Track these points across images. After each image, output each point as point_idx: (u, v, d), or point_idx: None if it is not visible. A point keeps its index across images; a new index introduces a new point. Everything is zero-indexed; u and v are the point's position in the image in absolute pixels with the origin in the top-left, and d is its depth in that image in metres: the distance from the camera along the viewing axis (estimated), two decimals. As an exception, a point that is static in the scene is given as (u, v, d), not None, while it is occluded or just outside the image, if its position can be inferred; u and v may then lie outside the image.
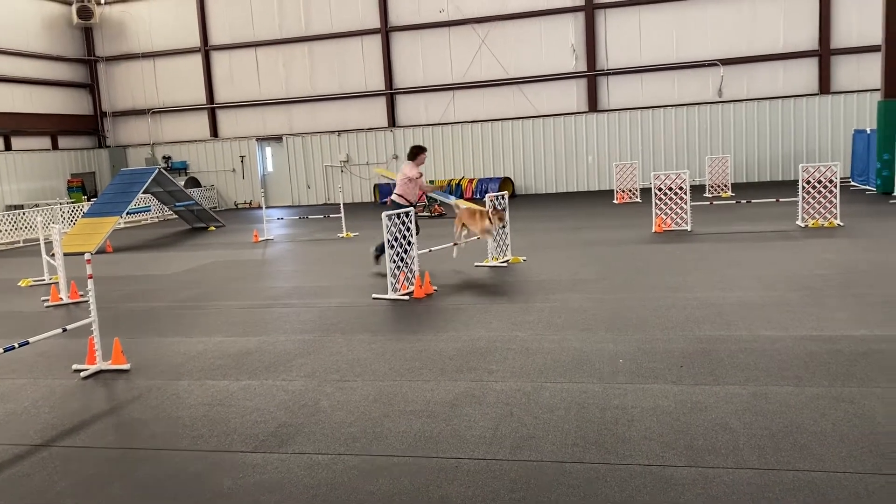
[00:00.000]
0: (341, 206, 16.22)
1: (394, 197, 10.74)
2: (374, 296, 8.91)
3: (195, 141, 27.72)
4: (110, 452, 4.69)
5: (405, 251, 9.03)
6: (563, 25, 23.95)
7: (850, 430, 4.27)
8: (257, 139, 27.15)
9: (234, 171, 27.45)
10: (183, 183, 25.41)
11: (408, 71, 25.43)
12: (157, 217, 23.38)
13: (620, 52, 23.62)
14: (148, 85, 27.81)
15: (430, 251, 10.30)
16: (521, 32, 24.23)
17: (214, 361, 6.61)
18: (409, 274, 9.02)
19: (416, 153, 10.78)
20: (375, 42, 25.47)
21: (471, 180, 23.98)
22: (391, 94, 25.61)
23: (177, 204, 19.26)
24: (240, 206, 27.36)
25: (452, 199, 18.67)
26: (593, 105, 23.97)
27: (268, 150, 27.50)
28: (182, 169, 27.55)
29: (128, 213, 19.32)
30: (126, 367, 6.52)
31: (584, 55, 23.85)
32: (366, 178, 26.13)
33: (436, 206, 19.34)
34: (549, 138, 24.34)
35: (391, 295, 8.73)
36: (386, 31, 25.21)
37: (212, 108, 27.39)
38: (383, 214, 8.66)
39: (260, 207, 20.64)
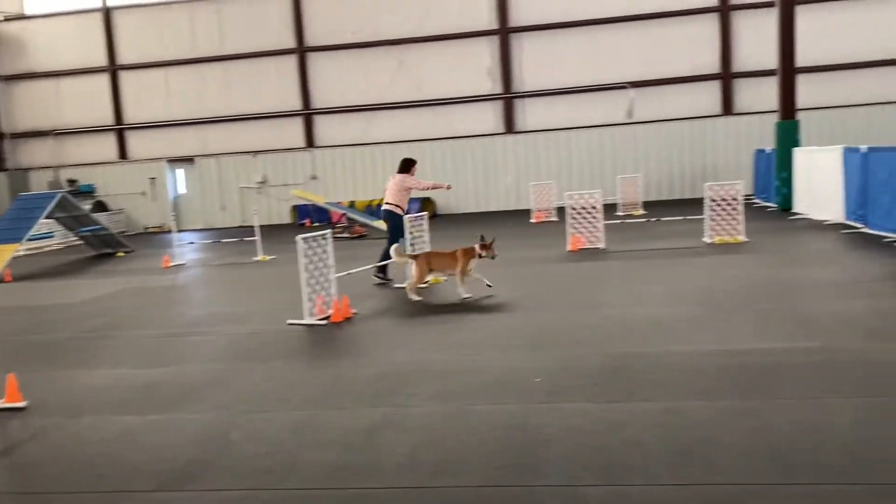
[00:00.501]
0: (257, 228, 15.88)
1: (393, 208, 11.34)
2: (289, 321, 8.70)
3: (103, 163, 26.70)
4: (1, 499, 4.38)
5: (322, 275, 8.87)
6: (479, 48, 24.32)
7: (756, 442, 4.41)
8: (168, 161, 26.36)
9: (144, 193, 26.54)
10: (89, 207, 24.37)
11: (325, 91, 25.28)
12: (61, 243, 22.30)
13: (535, 75, 24.16)
14: (51, 105, 26.65)
15: (349, 273, 10.18)
16: (438, 55, 24.48)
17: (120, 395, 6.30)
18: (326, 298, 8.87)
19: (411, 165, 11.59)
20: (292, 62, 25.23)
21: (390, 201, 23.91)
22: (308, 114, 25.37)
23: (82, 229, 18.43)
24: (150, 230, 26.44)
25: (374, 221, 18.57)
26: (510, 126, 24.39)
27: (180, 171, 26.72)
28: (89, 192, 26.43)
29: (28, 240, 18.34)
30: (22, 404, 6.12)
31: (501, 78, 24.27)
32: (283, 199, 25.70)
33: (356, 227, 19.18)
34: (467, 159, 24.58)
35: (307, 320, 8.55)
36: (302, 51, 25.01)
37: (120, 129, 26.47)
38: (298, 238, 8.49)
39: (171, 231, 20.05)
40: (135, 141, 26.62)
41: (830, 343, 6.37)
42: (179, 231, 23.82)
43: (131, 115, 26.42)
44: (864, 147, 13.52)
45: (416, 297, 9.66)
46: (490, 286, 9.55)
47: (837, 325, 6.94)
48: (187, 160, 26.36)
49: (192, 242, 18.72)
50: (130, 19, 25.89)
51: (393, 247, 10.33)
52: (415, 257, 9.83)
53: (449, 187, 12.55)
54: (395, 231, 11.08)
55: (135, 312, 10.26)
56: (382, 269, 11.32)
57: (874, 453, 4.15)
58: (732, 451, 4.29)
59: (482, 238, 9.51)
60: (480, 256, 9.41)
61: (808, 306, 7.82)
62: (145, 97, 26.18)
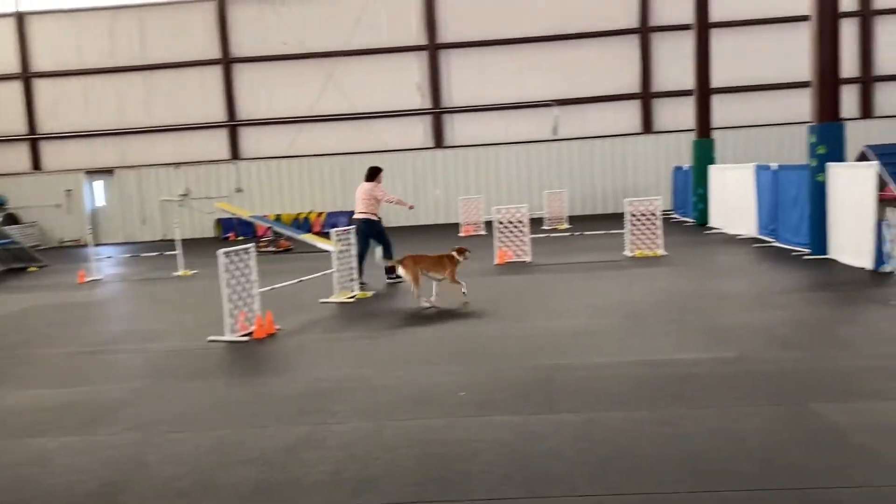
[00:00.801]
0: (178, 242, 15.46)
1: (368, 216, 11.90)
2: (210, 338, 8.49)
3: (14, 174, 25.51)
4: None
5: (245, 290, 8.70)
6: (409, 63, 24.44)
7: (672, 451, 4.53)
8: (86, 172, 25.41)
9: (59, 206, 25.48)
10: (0, 220, 23.25)
11: (252, 103, 24.90)
12: (-32, 257, 21.14)
13: (464, 91, 24.42)
14: (-43, 113, 25.36)
15: (273, 289, 10.01)
16: (368, 69, 24.46)
17: (31, 417, 6.00)
18: (249, 313, 8.69)
19: (377, 173, 12.18)
20: (216, 73, 24.76)
21: (319, 214, 23.72)
22: (234, 125, 24.92)
23: (-9, 243, 17.54)
24: (66, 244, 25.38)
25: (301, 235, 18.30)
26: (439, 141, 24.55)
27: (98, 183, 25.79)
28: (0, 205, 25.22)
29: (-69, 254, 17.35)
30: (-81, 429, 5.77)
31: (430, 93, 24.43)
32: (207, 212, 25.11)
33: (282, 241, 18.90)
34: (397, 173, 24.57)
35: (229, 336, 8.36)
36: (227, 61, 24.58)
37: (33, 139, 25.38)
38: (220, 252, 8.31)
39: (87, 245, 19.26)
40: (50, 151, 25.58)
41: (744, 353, 6.63)
42: (97, 245, 22.97)
43: (46, 124, 25.39)
44: (774, 165, 14.18)
45: (425, 304, 9.71)
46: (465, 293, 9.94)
47: (750, 336, 7.22)
48: (106, 172, 25.47)
49: (109, 257, 18.07)
50: (46, 25, 24.94)
51: (376, 257, 11.07)
52: (400, 262, 10.03)
53: (412, 207, 13.53)
54: (376, 237, 11.95)
55: (47, 330, 9.82)
56: (389, 270, 11.83)
57: (782, 459, 4.32)
58: (650, 460, 4.41)
59: (461, 248, 10.24)
60: (460, 261, 10.04)
61: (722, 317, 8.12)
62: (62, 106, 25.21)
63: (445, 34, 24.28)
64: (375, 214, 11.90)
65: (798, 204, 12.94)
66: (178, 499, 4.27)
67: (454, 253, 10.04)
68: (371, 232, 11.92)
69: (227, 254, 8.30)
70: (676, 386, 5.80)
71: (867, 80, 23.94)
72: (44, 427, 5.72)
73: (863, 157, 16.05)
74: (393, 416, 5.47)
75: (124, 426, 5.63)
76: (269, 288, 9.71)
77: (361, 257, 11.69)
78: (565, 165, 24.29)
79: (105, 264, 17.62)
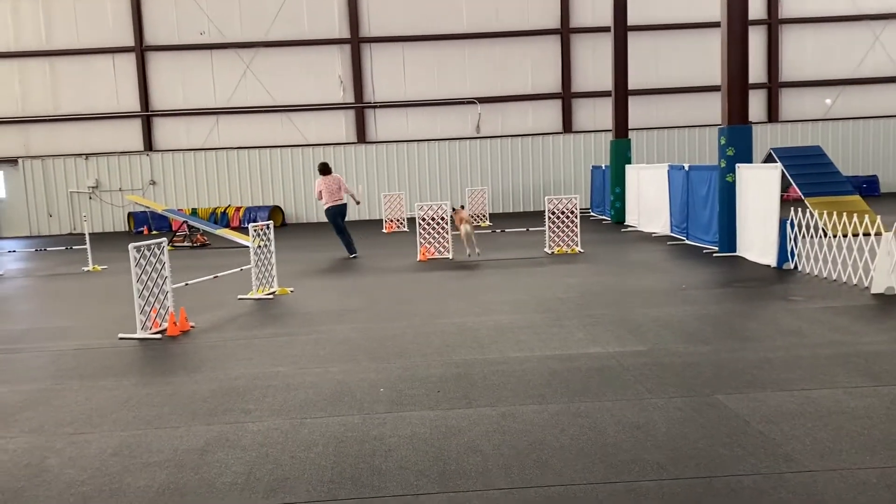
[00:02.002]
0: (87, 236, 14.81)
1: (344, 202, 14.20)
2: (120, 335, 8.17)
3: None
4: None
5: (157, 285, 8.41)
6: (331, 57, 24.15)
7: (585, 443, 4.63)
8: (-14, 162, 24.06)
9: (-44, 197, 24.06)
10: None
11: (167, 93, 24.10)
12: None
13: (387, 86, 24.32)
14: None
15: (187, 284, 9.71)
16: (288, 61, 24.04)
17: (-85, 422, 5.62)
18: (161, 310, 8.40)
19: (329, 167, 14.42)
20: (129, 60, 23.85)
21: (238, 208, 23.18)
22: (147, 116, 24.06)
23: None
24: (-36, 238, 23.98)
25: (218, 230, 17.86)
26: (362, 136, 24.37)
27: None
28: None
29: None
30: None
31: (352, 87, 24.21)
32: (118, 205, 24.18)
33: (198, 236, 18.37)
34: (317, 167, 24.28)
35: (140, 334, 8.06)
36: (141, 49, 23.70)
37: (-73, 125, 23.86)
38: (130, 246, 8.00)
39: (-11, 239, 18.21)
40: (-55, 139, 24.10)
41: (654, 346, 6.84)
42: (-2, 239, 21.80)
43: (-59, 110, 23.91)
44: (686, 165, 14.69)
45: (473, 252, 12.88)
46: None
47: (661, 330, 7.46)
48: (9, 161, 24.17)
49: (13, 251, 17.14)
50: (-59, 5, 23.46)
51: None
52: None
53: (358, 203, 15.10)
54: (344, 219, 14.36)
55: (-61, 329, 9.23)
56: (349, 247, 14.31)
57: (689, 448, 4.48)
58: (564, 453, 4.48)
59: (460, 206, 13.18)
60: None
61: (635, 312, 8.35)
62: (-42, 91, 23.78)
63: (368, 28, 24.11)
64: (341, 201, 14.24)
65: (708, 203, 13.45)
66: (80, 504, 4.08)
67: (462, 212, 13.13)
68: (345, 215, 14.35)
69: (138, 248, 8.00)
70: (591, 379, 5.93)
71: (773, 86, 25.11)
72: (-67, 432, 5.37)
73: (769, 159, 16.83)
74: (310, 414, 5.39)
75: (22, 429, 5.35)
76: (182, 284, 9.42)
77: (348, 235, 14.37)
78: (486, 163, 24.53)
79: (7, 259, 16.73)
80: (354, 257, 14.21)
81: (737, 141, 12.25)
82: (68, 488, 4.30)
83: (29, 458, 4.78)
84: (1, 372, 7.00)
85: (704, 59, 24.57)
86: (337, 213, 14.13)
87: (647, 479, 4.09)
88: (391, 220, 20.22)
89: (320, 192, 14.21)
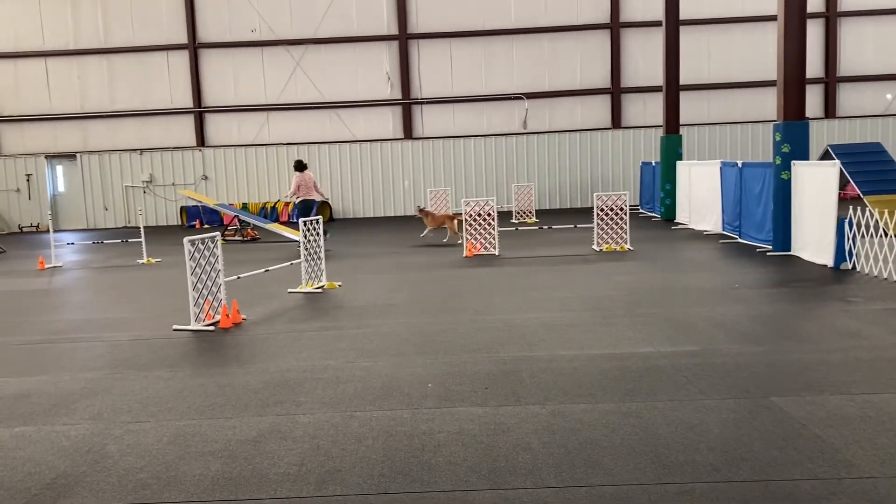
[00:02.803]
0: (142, 229, 15.19)
1: (315, 198, 15.74)
2: (174, 327, 8.36)
3: (-29, 157, 24.84)
4: None
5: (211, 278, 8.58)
6: (378, 53, 24.28)
7: (637, 443, 4.58)
8: (47, 157, 24.84)
9: (18, 191, 24.89)
10: (-45, 203, 22.64)
11: (219, 89, 24.54)
12: (-78, 242, 20.57)
13: (433, 82, 24.34)
14: (-88, 92, 24.59)
15: (239, 278, 9.89)
16: (336, 57, 24.26)
17: (-18, 407, 5.85)
18: (214, 303, 8.57)
19: (305, 164, 15.94)
20: (183, 58, 24.34)
21: (287, 203, 23.48)
22: (200, 112, 24.54)
23: (-54, 227, 17.06)
24: (25, 230, 24.80)
25: (268, 224, 18.14)
26: (408, 132, 24.45)
27: (59, 168, 25.23)
28: (-45, 188, 24.56)
29: None
30: None
31: (399, 83, 24.31)
32: (171, 199, 24.74)
33: (249, 230, 18.68)
34: (365, 163, 24.47)
35: (194, 326, 8.24)
36: (194, 47, 24.18)
37: (-8, 122, 24.72)
38: (185, 240, 8.18)
39: (48, 231, 18.80)
40: (10, 135, 24.94)
41: (707, 347, 6.72)
42: (58, 231, 22.49)
43: (6, 106, 24.74)
44: (739, 162, 14.38)
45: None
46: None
47: (713, 330, 7.32)
48: (68, 157, 24.93)
49: (71, 243, 17.69)
50: (5, 5, 24.25)
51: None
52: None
53: (287, 203, 17.37)
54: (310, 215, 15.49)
55: (4, 317, 9.58)
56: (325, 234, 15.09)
57: (743, 451, 4.39)
58: (615, 452, 4.44)
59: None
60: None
61: (687, 311, 8.21)
62: (23, 89, 24.58)
63: (416, 24, 24.16)
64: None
65: (762, 201, 13.15)
66: (139, 491, 4.19)
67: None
68: (313, 210, 15.75)
69: (192, 242, 8.17)
70: (641, 378, 5.86)
71: (831, 81, 24.40)
72: (-1, 417, 5.58)
73: (826, 156, 16.37)
74: (359, 407, 5.43)
75: (83, 416, 5.52)
76: (235, 277, 9.59)
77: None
78: (533, 159, 24.38)
79: (66, 251, 17.27)
80: (327, 237, 15.24)
81: (792, 137, 11.94)
82: (127, 475, 4.42)
83: (90, 445, 4.93)
84: (62, 360, 7.23)
85: (759, 53, 23.99)
86: (308, 207, 15.67)
87: (701, 480, 4.02)
88: (437, 216, 20.24)
89: (298, 185, 15.56)
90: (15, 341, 8.15)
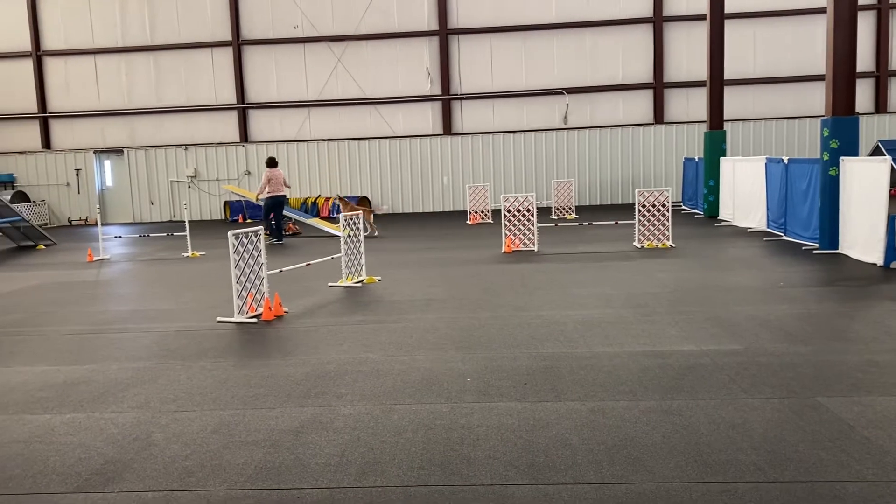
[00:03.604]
0: (187, 223, 15.50)
1: (285, 194, 16.55)
2: (218, 319, 8.52)
3: (24, 152, 25.59)
4: None
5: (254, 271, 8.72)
6: (419, 49, 24.33)
7: (678, 441, 4.53)
8: (95, 152, 25.47)
9: (68, 185, 25.58)
10: (9, 198, 23.34)
11: (261, 86, 24.86)
12: (-23, 234, 21.27)
13: (473, 78, 24.31)
14: (-31, 89, 25.40)
15: (281, 271, 10.02)
16: (377, 53, 24.38)
17: (35, 393, 6.04)
18: (257, 295, 8.71)
19: (276, 161, 16.74)
20: (227, 54, 24.71)
21: (328, 198, 23.71)
22: (243, 108, 24.90)
23: (0, 220, 17.61)
24: (74, 223, 25.49)
25: (309, 219, 18.35)
26: (448, 128, 24.47)
27: (107, 163, 25.85)
28: (8, 182, 25.31)
29: (-59, 230, 17.44)
30: (-73, 403, 5.81)
31: (439, 79, 24.33)
32: (215, 194, 25.15)
33: (290, 225, 18.90)
34: (405, 159, 24.56)
35: (237, 318, 8.38)
36: (238, 44, 24.53)
37: (44, 118, 25.43)
38: (230, 234, 8.32)
39: (96, 224, 19.34)
40: (60, 130, 25.63)
41: (751, 345, 6.61)
42: (105, 224, 23.05)
43: (57, 103, 25.42)
44: (785, 158, 14.09)
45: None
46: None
47: (758, 328, 7.20)
48: (115, 151, 25.52)
49: (118, 236, 18.11)
50: (56, 4, 24.90)
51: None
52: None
53: (257, 200, 17.63)
54: (282, 210, 16.71)
55: (54, 308, 9.87)
56: (277, 233, 16.55)
57: (788, 451, 4.31)
58: (655, 450, 4.40)
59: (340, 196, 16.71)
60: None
61: (730, 310, 8.08)
62: (72, 85, 25.23)
63: (457, 19, 24.15)
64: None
65: (808, 198, 12.86)
66: (184, 478, 4.29)
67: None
68: (283, 205, 16.73)
69: (236, 235, 8.31)
70: (683, 376, 5.79)
71: (882, 75, 23.74)
72: (49, 403, 5.76)
73: (876, 152, 15.93)
74: (399, 400, 5.47)
75: (130, 404, 5.66)
76: (277, 270, 9.73)
77: (281, 223, 16.75)
78: (574, 155, 24.20)
79: (113, 244, 17.69)
80: (280, 243, 16.36)
81: (841, 133, 11.65)
82: (172, 462, 4.52)
83: (137, 433, 5.05)
84: (110, 350, 7.42)
85: (807, 46, 23.46)
86: (278, 203, 16.46)
87: (744, 480, 3.96)
88: (476, 212, 20.25)
89: (268, 180, 16.30)
90: (65, 331, 8.39)
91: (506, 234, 13.68)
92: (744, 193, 16.42)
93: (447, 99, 24.36)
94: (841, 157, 11.63)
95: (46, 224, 24.92)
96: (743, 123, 23.82)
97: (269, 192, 16.34)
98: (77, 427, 5.21)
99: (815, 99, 23.57)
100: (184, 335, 7.92)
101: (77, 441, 4.94)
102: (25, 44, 25.02)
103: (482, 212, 20.21)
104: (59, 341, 7.89)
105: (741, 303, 8.46)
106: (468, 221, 20.00)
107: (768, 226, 14.93)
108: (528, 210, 13.68)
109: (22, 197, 24.85)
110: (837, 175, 11.68)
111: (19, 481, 4.34)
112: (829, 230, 11.86)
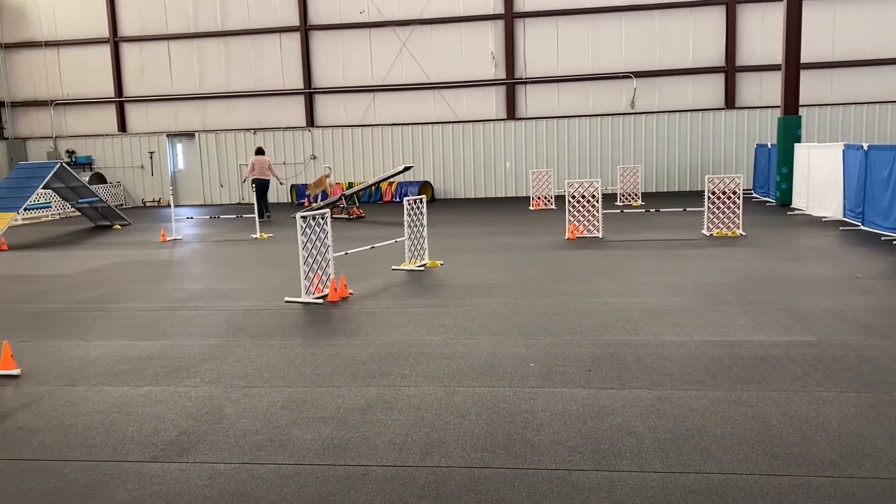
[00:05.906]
0: (255, 206, 15.83)
1: (268, 178, 18.91)
2: (286, 299, 8.71)
3: (102, 135, 26.56)
4: (-7, 464, 4.39)
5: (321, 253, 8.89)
6: (483, 32, 24.19)
7: (748, 432, 4.43)
8: (168, 135, 26.25)
9: (142, 167, 26.45)
10: (87, 179, 24.30)
11: (327, 70, 25.14)
12: (59, 214, 22.26)
13: (538, 62, 24.04)
14: (51, 75, 26.46)
15: (347, 254, 10.17)
16: (442, 38, 24.34)
17: (113, 366, 6.30)
18: (323, 277, 8.87)
19: (263, 150, 19.46)
20: (294, 40, 25.06)
21: (391, 183, 23.88)
22: (310, 93, 25.24)
23: (79, 200, 18.37)
24: (148, 205, 26.37)
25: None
26: (511, 113, 24.29)
27: (179, 146, 26.62)
28: (87, 164, 26.34)
29: (26, 209, 18.29)
30: (16, 371, 6.14)
31: (504, 63, 24.15)
32: (282, 178, 25.62)
33: (354, 209, 19.15)
34: (468, 144, 24.52)
35: (305, 298, 8.55)
36: (305, 29, 24.85)
37: (120, 102, 26.31)
38: (297, 215, 8.48)
39: (169, 206, 19.98)
40: (135, 114, 26.48)
41: (825, 337, 6.39)
42: (177, 206, 23.77)
43: (132, 87, 26.27)
44: (864, 145, 13.50)
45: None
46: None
47: (832, 320, 6.96)
48: (187, 135, 26.25)
49: (189, 218, 18.67)
50: (133, -9, 25.68)
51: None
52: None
53: (282, 184, 21.86)
54: (265, 192, 18.89)
55: (130, 285, 10.25)
56: (264, 211, 18.54)
57: (865, 447, 4.17)
58: (724, 441, 4.31)
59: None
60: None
61: (803, 300, 7.83)
62: (147, 70, 26.02)
63: (522, 3, 23.89)
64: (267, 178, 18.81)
65: (889, 186, 12.31)
66: (255, 451, 4.42)
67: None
68: (267, 189, 18.99)
69: (304, 218, 8.46)
70: (753, 367, 5.65)
71: (972, 57, 22.45)
72: (126, 377, 6.00)
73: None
74: (462, 383, 5.50)
75: (203, 379, 5.85)
76: (342, 253, 9.88)
77: (263, 205, 18.57)
78: (640, 140, 23.72)
79: (185, 225, 18.24)
80: (268, 216, 18.87)
81: (928, 118, 11.07)
82: (243, 436, 4.66)
83: (209, 406, 5.22)
84: (184, 327, 7.68)
85: (890, 28, 22.36)
86: (262, 186, 18.71)
87: (818, 475, 3.85)
88: (539, 198, 20.09)
89: (253, 166, 18.51)
90: (141, 307, 8.71)
91: (570, 221, 13.54)
92: (819, 181, 15.82)
93: (511, 83, 24.18)
94: (926, 144, 11.07)
95: (122, 205, 25.84)
96: (819, 109, 22.92)
97: (255, 175, 18.58)
98: (153, 399, 5.42)
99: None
100: (253, 314, 8.13)
101: (153, 413, 5.14)
102: (103, 30, 25.88)
103: (545, 197, 20.04)
104: (135, 317, 8.20)
105: (815, 294, 8.19)
106: (531, 207, 19.87)
107: (844, 215, 14.37)
108: (593, 196, 13.50)
109: (99, 178, 25.82)
110: (922, 162, 11.13)
111: (101, 449, 4.55)
112: (912, 220, 11.33)
